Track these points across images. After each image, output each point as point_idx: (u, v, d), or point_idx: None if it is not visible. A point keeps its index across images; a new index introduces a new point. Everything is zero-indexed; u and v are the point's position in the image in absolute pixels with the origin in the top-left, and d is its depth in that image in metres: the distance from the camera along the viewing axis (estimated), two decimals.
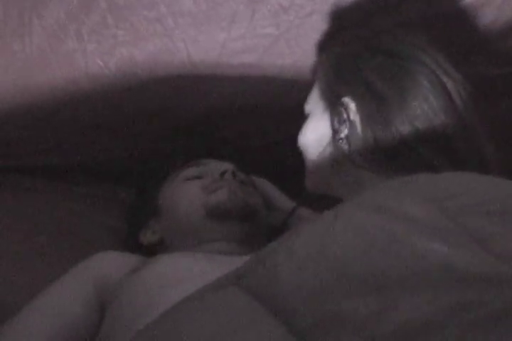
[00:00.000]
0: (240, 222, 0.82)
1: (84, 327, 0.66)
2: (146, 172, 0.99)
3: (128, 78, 0.81)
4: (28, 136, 0.90)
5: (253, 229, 0.84)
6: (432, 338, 0.33)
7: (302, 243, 0.43)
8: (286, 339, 0.36)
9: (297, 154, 0.74)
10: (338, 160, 0.64)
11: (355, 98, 0.63)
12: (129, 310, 0.63)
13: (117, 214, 0.98)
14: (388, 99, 0.61)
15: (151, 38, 0.78)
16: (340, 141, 0.63)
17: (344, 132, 0.63)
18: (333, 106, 0.65)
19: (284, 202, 0.95)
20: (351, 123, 0.62)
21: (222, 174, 0.86)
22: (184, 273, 0.66)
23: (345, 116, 0.63)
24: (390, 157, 0.60)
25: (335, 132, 0.64)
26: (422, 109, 0.60)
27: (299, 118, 0.73)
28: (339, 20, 0.78)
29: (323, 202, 0.65)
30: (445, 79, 0.61)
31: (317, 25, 0.78)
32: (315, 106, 0.69)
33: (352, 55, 0.67)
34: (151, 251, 0.85)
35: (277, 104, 0.91)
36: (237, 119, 0.96)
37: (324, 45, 0.79)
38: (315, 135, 0.68)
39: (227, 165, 0.91)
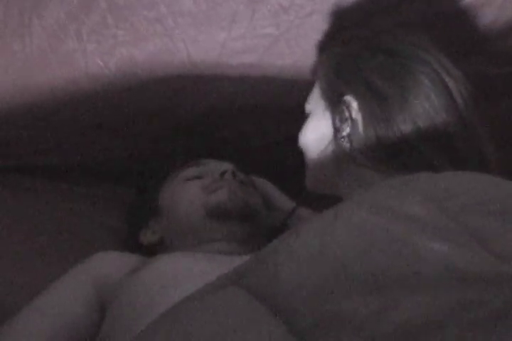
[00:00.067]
0: (239, 222, 0.82)
1: (85, 327, 0.66)
2: (146, 172, 0.99)
3: (128, 78, 0.81)
4: (28, 136, 0.90)
5: (253, 229, 0.84)
6: (433, 338, 0.33)
7: (302, 242, 0.43)
8: (286, 339, 0.36)
9: (297, 154, 0.74)
10: (340, 158, 0.64)
11: (357, 97, 0.63)
12: (129, 310, 0.63)
13: (117, 214, 0.98)
14: (390, 98, 0.61)
15: (151, 38, 0.78)
16: (342, 139, 0.63)
17: (346, 130, 0.63)
18: (335, 104, 0.65)
19: (284, 202, 0.95)
20: (353, 121, 0.63)
21: (222, 174, 0.86)
22: (184, 273, 0.66)
23: (347, 114, 0.63)
24: (392, 155, 0.60)
25: (336, 131, 0.64)
26: (424, 107, 0.60)
27: (299, 118, 0.73)
28: (339, 20, 0.78)
29: (323, 202, 0.65)
30: (446, 77, 0.61)
31: (317, 25, 0.78)
32: (316, 105, 0.70)
33: (353, 55, 0.67)
34: (151, 251, 0.85)
35: (277, 104, 0.91)
36: (237, 119, 0.96)
37: (324, 45, 0.79)
38: (316, 134, 0.68)
39: (227, 165, 0.91)
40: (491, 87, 0.83)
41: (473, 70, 0.65)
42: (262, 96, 0.90)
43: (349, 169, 0.64)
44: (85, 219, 0.94)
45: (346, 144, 0.63)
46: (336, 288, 0.37)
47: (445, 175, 0.50)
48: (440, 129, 0.59)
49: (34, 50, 0.77)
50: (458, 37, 0.80)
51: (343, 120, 0.63)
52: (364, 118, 0.62)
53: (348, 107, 0.63)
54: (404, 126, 0.60)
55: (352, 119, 0.63)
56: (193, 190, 0.85)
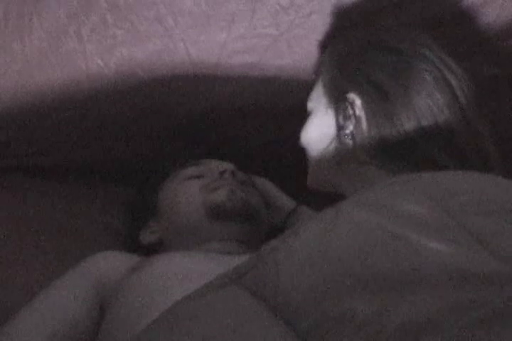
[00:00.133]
0: (239, 221, 0.82)
1: (84, 327, 0.66)
2: (146, 172, 0.99)
3: (128, 78, 0.81)
4: (28, 136, 0.90)
5: (253, 228, 0.84)
6: (433, 338, 0.33)
7: (303, 241, 0.43)
8: (287, 338, 0.36)
9: (297, 154, 0.74)
10: (342, 156, 0.64)
11: (361, 94, 0.63)
12: (128, 309, 0.63)
13: (117, 214, 0.98)
14: (393, 96, 0.61)
15: (151, 38, 0.78)
16: (345, 136, 0.63)
17: (349, 128, 0.63)
18: (338, 102, 0.65)
19: (284, 201, 0.95)
20: (357, 119, 0.63)
21: (222, 173, 0.86)
22: (184, 273, 0.66)
23: (350, 112, 0.63)
24: (395, 153, 0.60)
25: (340, 128, 0.64)
26: (427, 105, 0.60)
27: (299, 117, 0.73)
28: (339, 20, 0.78)
29: (324, 201, 0.65)
30: (449, 75, 0.62)
31: (317, 25, 0.78)
32: (318, 103, 0.70)
33: (356, 52, 0.67)
34: (150, 250, 0.85)
35: (277, 104, 0.91)
36: (237, 119, 0.96)
37: (325, 45, 0.79)
38: (319, 131, 0.68)
39: (226, 165, 0.91)
40: (491, 87, 0.83)
41: (473, 70, 0.65)
42: (262, 96, 0.90)
43: (351, 167, 0.64)
44: (85, 219, 0.94)
45: (349, 142, 0.63)
46: (337, 287, 0.37)
47: (446, 174, 0.50)
48: (443, 127, 0.60)
49: (34, 50, 0.77)
50: (458, 37, 0.80)
51: (346, 117, 0.63)
52: (367, 115, 0.62)
53: (352, 105, 0.63)
54: (407, 123, 0.60)
55: (355, 117, 0.63)
56: (193, 189, 0.85)
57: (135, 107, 0.88)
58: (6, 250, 0.82)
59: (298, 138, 0.75)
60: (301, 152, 0.74)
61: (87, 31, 0.76)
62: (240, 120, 0.96)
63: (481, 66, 0.82)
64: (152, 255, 0.77)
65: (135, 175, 1.01)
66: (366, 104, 0.62)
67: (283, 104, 0.91)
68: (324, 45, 0.79)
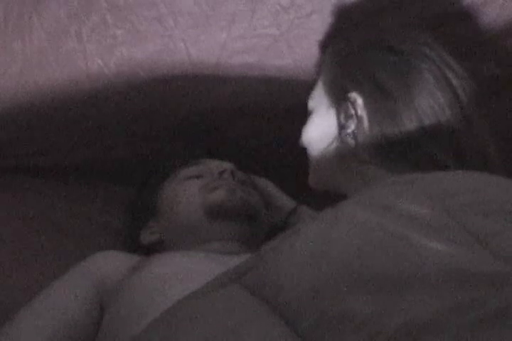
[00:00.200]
0: (239, 221, 0.82)
1: (84, 327, 0.66)
2: (146, 172, 0.99)
3: (128, 78, 0.81)
4: (28, 136, 0.90)
5: (253, 228, 0.84)
6: (433, 338, 0.33)
7: (304, 241, 0.43)
8: (287, 338, 0.36)
9: (297, 154, 0.74)
10: (344, 156, 0.65)
11: (362, 94, 0.63)
12: (128, 309, 0.63)
13: (117, 214, 0.98)
14: (395, 95, 0.61)
15: (151, 38, 0.78)
16: (347, 136, 0.63)
17: (351, 127, 0.63)
18: (340, 101, 0.65)
19: (284, 201, 0.95)
20: (359, 118, 0.63)
21: (221, 173, 0.86)
22: (184, 273, 0.66)
23: (352, 111, 0.63)
24: (396, 152, 0.60)
25: (341, 127, 0.64)
26: (429, 104, 0.60)
27: (299, 117, 0.73)
28: (339, 20, 0.78)
29: (324, 201, 0.65)
30: (450, 74, 0.62)
31: (317, 25, 0.78)
32: (319, 102, 0.70)
33: (357, 52, 0.67)
34: (150, 250, 0.85)
35: (277, 104, 0.91)
36: (237, 119, 0.96)
37: (325, 44, 0.79)
38: (320, 131, 0.68)
39: (226, 165, 0.91)
40: (490, 87, 0.83)
41: (473, 70, 0.65)
42: (262, 97, 0.90)
43: (353, 166, 0.64)
44: (85, 219, 0.94)
45: (351, 141, 0.63)
46: (337, 287, 0.37)
47: (447, 174, 0.50)
48: (444, 126, 0.60)
49: (34, 50, 0.77)
50: (458, 37, 0.80)
51: (347, 117, 0.64)
52: (369, 114, 0.62)
53: (353, 104, 0.63)
54: (409, 122, 0.60)
55: (357, 116, 0.63)
56: (192, 189, 0.85)
57: (135, 107, 0.88)
58: (6, 250, 0.82)
59: (298, 138, 0.75)
60: (301, 152, 0.74)
61: (87, 31, 0.76)
62: (240, 120, 0.96)
63: (481, 66, 0.82)
64: (152, 255, 0.77)
65: (135, 175, 1.01)
66: (368, 104, 0.62)
67: (283, 104, 0.91)
68: (324, 45, 0.79)
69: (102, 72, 0.80)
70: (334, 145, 0.66)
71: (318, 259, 0.40)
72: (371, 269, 0.38)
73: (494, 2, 0.77)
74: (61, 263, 0.79)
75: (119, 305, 0.65)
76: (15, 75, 0.79)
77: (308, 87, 0.74)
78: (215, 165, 0.91)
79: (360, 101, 0.63)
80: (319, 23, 0.78)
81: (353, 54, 0.67)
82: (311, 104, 0.72)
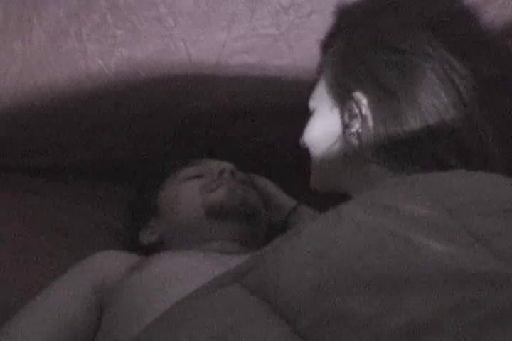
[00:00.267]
0: (239, 221, 0.82)
1: (83, 327, 0.66)
2: (146, 172, 0.99)
3: (128, 78, 0.81)
4: (28, 136, 0.90)
5: (253, 228, 0.84)
6: (435, 338, 0.33)
7: (305, 241, 0.43)
8: (287, 337, 0.36)
9: (297, 154, 0.74)
10: (347, 155, 0.65)
11: (367, 93, 0.63)
12: (128, 309, 0.63)
13: (117, 214, 0.98)
14: (399, 94, 0.61)
15: (151, 38, 0.78)
16: (351, 135, 0.63)
17: (355, 127, 0.63)
18: (343, 101, 0.65)
19: (284, 200, 0.95)
20: (363, 117, 0.63)
21: (221, 173, 0.86)
22: (184, 272, 0.66)
23: (356, 110, 0.63)
24: (401, 151, 0.61)
25: (345, 127, 0.64)
26: (433, 104, 0.60)
27: (300, 117, 0.73)
28: (339, 20, 0.78)
29: (324, 200, 0.65)
30: (453, 74, 0.62)
31: (317, 25, 0.78)
32: (321, 101, 0.69)
33: (360, 51, 0.67)
34: (150, 250, 0.85)
35: (277, 104, 0.91)
36: (237, 119, 0.96)
37: (327, 43, 0.79)
38: (323, 130, 0.68)
39: (226, 165, 0.91)
40: (491, 87, 0.83)
41: (473, 70, 0.65)
42: (262, 97, 0.90)
43: (357, 166, 0.64)
44: (85, 219, 0.94)
45: (355, 140, 0.63)
46: (339, 287, 0.37)
47: (448, 174, 0.50)
48: (448, 125, 0.60)
49: (34, 50, 0.77)
50: (458, 37, 0.80)
51: (351, 116, 0.64)
52: (374, 114, 0.62)
53: (358, 103, 0.63)
54: (413, 122, 0.60)
55: (362, 115, 0.63)
56: (192, 189, 0.85)
57: (135, 107, 0.88)
58: (6, 250, 0.82)
59: (298, 138, 0.75)
60: (301, 152, 0.74)
61: (87, 31, 0.76)
62: (240, 120, 0.96)
63: (481, 66, 0.82)
64: (152, 255, 0.77)
65: (135, 175, 1.01)
66: (372, 103, 0.62)
67: (283, 104, 0.91)
68: (325, 45, 0.79)
69: (102, 72, 0.80)
70: (337, 144, 0.66)
71: (319, 259, 0.40)
72: (372, 269, 0.38)
73: (494, 2, 0.77)
74: (61, 263, 0.79)
75: (118, 305, 0.65)
76: (15, 75, 0.79)
77: (309, 87, 0.74)
78: (215, 165, 0.91)
79: (364, 100, 0.63)
80: (319, 23, 0.78)
81: (356, 53, 0.67)
82: (313, 103, 0.72)
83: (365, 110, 0.63)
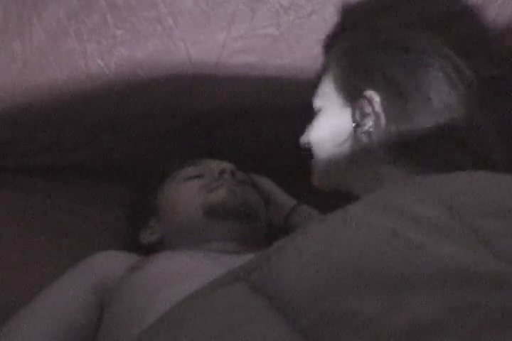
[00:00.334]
0: (239, 221, 0.82)
1: (84, 327, 0.66)
2: (146, 172, 0.99)
3: (128, 78, 0.81)
4: (28, 135, 0.90)
5: (253, 228, 0.84)
6: (436, 338, 0.33)
7: (311, 241, 0.43)
8: (290, 336, 0.36)
9: (297, 154, 0.74)
10: (357, 154, 0.65)
11: (379, 91, 0.63)
12: (128, 309, 0.63)
13: (117, 214, 0.98)
14: (411, 93, 0.62)
15: (151, 38, 0.78)
16: (362, 134, 0.63)
17: (368, 125, 0.63)
18: (354, 99, 0.65)
19: (285, 199, 0.95)
20: (377, 115, 0.63)
21: (221, 173, 0.86)
22: (184, 272, 0.66)
23: (368, 109, 0.63)
24: (411, 150, 0.61)
25: (357, 125, 0.64)
26: (443, 102, 0.61)
27: (300, 117, 0.73)
28: (339, 20, 0.78)
29: (324, 201, 0.65)
30: (458, 73, 0.62)
31: (317, 26, 0.78)
32: (329, 100, 0.69)
33: (370, 50, 0.67)
34: (150, 250, 0.85)
35: (277, 104, 0.91)
36: (237, 119, 0.96)
37: (328, 43, 0.79)
38: (332, 129, 0.68)
39: (226, 165, 0.91)
40: (490, 87, 0.83)
41: (473, 70, 0.66)
42: (262, 96, 0.90)
43: (366, 165, 0.64)
44: (85, 219, 0.94)
45: (365, 139, 0.63)
46: (343, 286, 0.37)
47: (454, 175, 0.50)
48: (458, 124, 0.60)
49: (34, 50, 0.77)
50: (457, 36, 0.80)
51: (363, 115, 0.63)
52: (386, 112, 0.62)
53: (370, 102, 0.63)
54: (425, 120, 0.60)
55: (375, 114, 0.63)
56: (192, 189, 0.85)
57: (135, 107, 0.88)
58: (6, 250, 0.82)
59: (298, 138, 0.75)
60: (301, 152, 0.74)
61: (87, 31, 0.76)
62: (240, 120, 0.96)
63: (481, 66, 0.82)
64: (152, 254, 0.77)
65: (135, 175, 1.01)
66: (385, 101, 0.63)
67: (283, 104, 0.91)
68: (327, 45, 0.79)
69: (102, 72, 0.80)
70: (346, 144, 0.65)
71: (324, 259, 0.40)
72: (373, 270, 0.38)
73: (493, 2, 0.77)
74: (61, 263, 0.79)
75: (118, 305, 0.65)
76: (15, 75, 0.79)
77: (309, 87, 0.74)
78: (215, 165, 0.91)
79: (377, 98, 0.63)
80: (319, 24, 0.78)
81: (365, 53, 0.67)
82: (318, 102, 0.72)
83: (378, 108, 0.63)
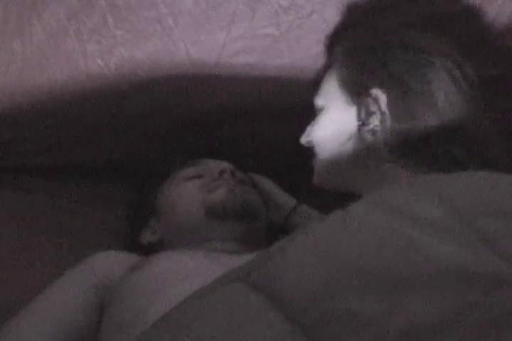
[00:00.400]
0: (239, 221, 0.82)
1: (84, 327, 0.66)
2: (146, 172, 0.99)
3: (128, 78, 0.81)
4: (28, 136, 0.90)
5: (252, 228, 0.84)
6: (439, 339, 0.33)
7: (312, 241, 0.43)
8: (290, 336, 0.36)
9: (297, 154, 0.74)
10: (361, 154, 0.65)
11: (385, 90, 0.63)
12: (128, 309, 0.63)
13: (117, 214, 0.98)
14: (416, 92, 0.62)
15: (151, 38, 0.78)
16: (367, 132, 0.63)
17: (374, 123, 0.63)
18: (360, 98, 0.65)
19: (285, 199, 0.95)
20: (383, 114, 0.63)
21: (221, 173, 0.86)
22: (184, 272, 0.66)
23: (375, 107, 0.63)
24: (416, 149, 0.61)
25: (362, 124, 0.64)
26: (448, 101, 0.61)
27: (299, 117, 0.73)
28: (339, 20, 0.78)
29: (324, 200, 0.65)
30: (462, 73, 0.63)
31: (317, 26, 0.78)
32: (332, 99, 0.69)
33: (376, 49, 0.67)
34: (150, 250, 0.85)
35: (277, 104, 0.91)
36: (237, 119, 0.96)
37: (332, 42, 0.79)
38: (335, 128, 0.68)
39: (225, 165, 0.91)
40: (490, 86, 0.83)
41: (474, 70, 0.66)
42: (262, 96, 0.90)
43: (369, 164, 0.64)
44: (85, 219, 0.94)
45: (370, 138, 0.63)
46: (345, 286, 0.37)
47: (458, 175, 0.50)
48: (461, 124, 0.60)
49: (34, 50, 0.77)
50: (458, 37, 0.80)
51: (369, 113, 0.64)
52: (392, 111, 0.62)
53: (377, 100, 0.63)
54: (430, 119, 0.61)
55: (381, 112, 0.63)
56: (192, 189, 0.85)
57: (135, 107, 0.88)
58: (6, 250, 0.82)
59: (298, 138, 0.75)
60: (301, 152, 0.74)
61: (87, 31, 0.76)
62: (240, 120, 0.96)
63: (481, 66, 0.82)
64: (152, 254, 0.77)
65: (135, 175, 1.01)
66: (391, 100, 0.63)
67: (283, 104, 0.91)
68: (327, 45, 0.79)
69: (102, 72, 0.80)
70: (350, 142, 0.65)
71: (325, 259, 0.40)
72: (379, 269, 0.38)
73: (493, 2, 0.77)
74: (61, 263, 0.79)
75: (119, 305, 0.65)
76: (15, 75, 0.79)
77: (309, 87, 0.74)
78: (214, 165, 0.91)
79: (383, 97, 0.63)
80: (319, 23, 0.78)
81: (371, 52, 0.68)
82: (321, 101, 0.72)
83: (384, 107, 0.63)
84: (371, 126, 0.63)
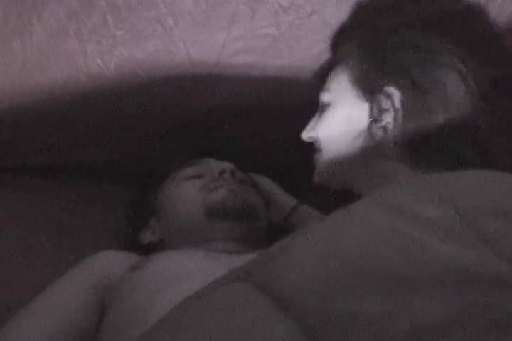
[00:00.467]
0: (239, 221, 0.82)
1: (84, 327, 0.66)
2: (146, 172, 0.99)
3: (128, 78, 0.81)
4: (28, 136, 0.90)
5: (253, 227, 0.84)
6: (440, 339, 0.32)
7: (313, 241, 0.43)
8: (294, 335, 0.36)
9: (298, 153, 0.74)
10: (369, 151, 0.65)
11: (399, 88, 0.64)
12: (129, 309, 0.63)
13: (117, 214, 0.98)
14: (430, 90, 0.62)
15: (151, 38, 0.78)
16: (378, 129, 0.64)
17: (386, 120, 0.63)
18: (373, 94, 0.65)
19: (285, 199, 0.95)
20: (396, 111, 0.63)
21: (221, 173, 0.86)
22: (184, 272, 0.66)
23: (388, 104, 0.63)
24: (425, 147, 0.62)
25: (373, 121, 0.64)
26: (459, 101, 0.62)
27: (300, 117, 0.73)
28: (339, 20, 0.78)
29: (324, 200, 0.65)
30: (473, 74, 0.63)
31: (317, 26, 0.79)
32: (341, 95, 0.69)
33: (389, 48, 0.68)
34: (150, 250, 0.85)
35: (277, 104, 0.91)
36: (237, 119, 0.96)
37: (334, 42, 0.79)
38: (344, 124, 0.68)
39: (226, 165, 0.91)
40: (491, 86, 0.83)
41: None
42: (262, 96, 0.90)
43: (377, 161, 0.64)
44: (85, 219, 0.94)
45: (381, 134, 0.63)
46: (348, 286, 0.37)
47: (460, 174, 0.50)
48: (470, 124, 0.61)
49: (34, 50, 0.77)
50: (458, 37, 0.80)
51: (381, 110, 0.64)
52: (405, 108, 0.63)
53: (390, 98, 0.63)
54: (441, 117, 0.61)
55: (394, 109, 0.63)
56: (192, 189, 0.85)
57: (135, 107, 0.88)
58: (6, 250, 0.82)
59: (298, 138, 0.75)
60: (301, 152, 0.74)
61: (87, 31, 0.76)
62: (240, 120, 0.96)
63: (481, 66, 0.82)
64: (152, 254, 0.77)
65: (135, 175, 1.01)
66: (404, 98, 0.63)
67: (283, 104, 0.91)
68: (333, 42, 0.79)
69: (102, 72, 0.80)
70: (359, 139, 0.65)
71: (327, 259, 0.40)
72: (380, 270, 0.38)
73: (494, 2, 0.77)
74: (61, 263, 0.79)
75: (119, 305, 0.65)
76: (15, 75, 0.79)
77: (309, 87, 0.74)
78: (215, 165, 0.91)
79: (397, 94, 0.63)
80: (319, 23, 0.78)
81: (384, 51, 0.68)
82: (328, 97, 0.71)
83: (398, 104, 0.63)
84: (383, 123, 0.63)
